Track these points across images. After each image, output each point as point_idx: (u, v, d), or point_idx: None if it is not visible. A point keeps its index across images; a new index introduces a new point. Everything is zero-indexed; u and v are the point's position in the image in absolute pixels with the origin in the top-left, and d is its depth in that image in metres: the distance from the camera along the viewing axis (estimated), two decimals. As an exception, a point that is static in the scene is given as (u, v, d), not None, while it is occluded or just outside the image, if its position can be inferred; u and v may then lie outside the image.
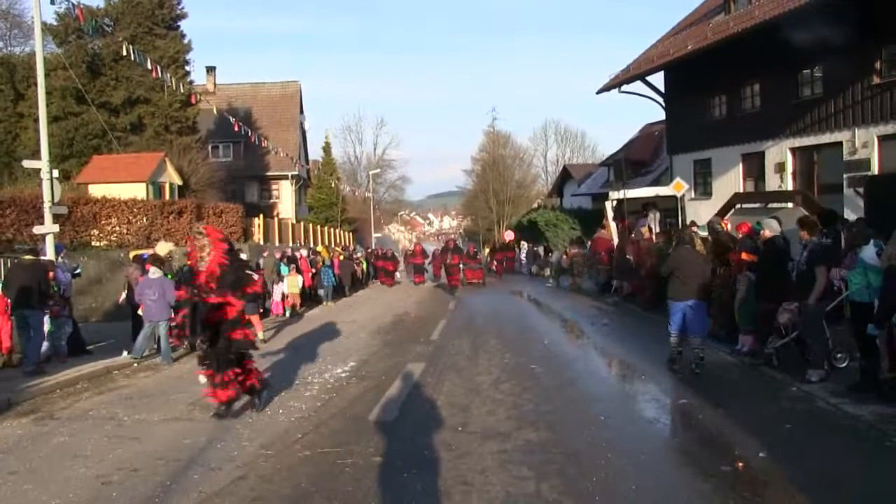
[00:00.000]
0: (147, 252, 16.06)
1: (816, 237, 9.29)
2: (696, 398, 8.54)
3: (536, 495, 5.60)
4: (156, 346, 12.95)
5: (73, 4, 15.51)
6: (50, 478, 6.35)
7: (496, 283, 30.53)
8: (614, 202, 25.38)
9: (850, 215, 17.85)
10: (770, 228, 10.47)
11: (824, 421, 7.49)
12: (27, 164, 15.75)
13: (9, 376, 10.74)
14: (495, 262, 35.67)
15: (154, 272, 12.56)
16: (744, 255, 11.13)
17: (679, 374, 9.97)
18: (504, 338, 14.15)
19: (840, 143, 19.66)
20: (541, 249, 36.85)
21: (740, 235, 11.85)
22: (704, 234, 14.46)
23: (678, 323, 10.22)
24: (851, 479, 5.82)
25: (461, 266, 27.45)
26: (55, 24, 32.26)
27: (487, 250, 42.13)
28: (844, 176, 19.33)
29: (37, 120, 16.25)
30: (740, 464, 6.16)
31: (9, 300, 11.12)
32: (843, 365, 9.25)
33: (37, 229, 14.34)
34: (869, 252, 8.22)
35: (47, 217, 13.97)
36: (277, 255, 20.99)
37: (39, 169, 14.16)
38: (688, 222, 20.60)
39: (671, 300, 10.37)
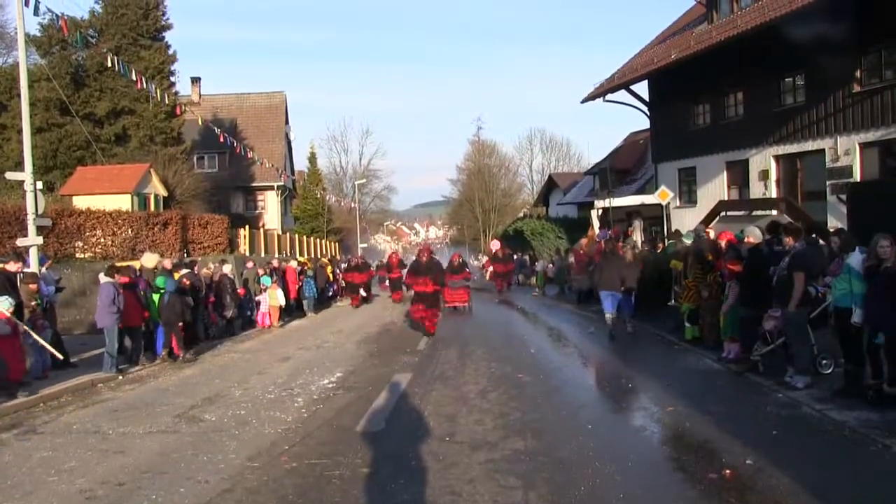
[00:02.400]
0: (132, 263, 15.98)
1: (799, 243, 9.37)
2: (682, 405, 8.56)
3: (524, 504, 5.59)
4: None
5: (56, 16, 15.47)
6: (33, 493, 6.28)
7: (488, 295, 27.42)
8: (600, 211, 25.50)
9: (833, 222, 18.03)
10: (753, 236, 10.56)
11: (810, 427, 7.52)
12: (10, 175, 15.65)
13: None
14: (494, 275, 28.62)
15: (102, 277, 12.56)
16: (729, 266, 11.23)
17: (617, 346, 13.29)
18: (491, 347, 14.14)
19: (822, 151, 19.83)
20: (527, 258, 36.87)
21: (724, 244, 11.94)
22: (690, 241, 14.55)
23: (609, 306, 14.33)
24: (838, 485, 5.84)
25: (441, 288, 18.14)
26: (38, 35, 32.09)
27: (484, 259, 39.33)
28: (827, 183, 19.49)
29: (20, 131, 16.19)
30: (727, 470, 6.17)
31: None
32: (829, 371, 9.32)
33: (20, 241, 14.25)
34: (856, 258, 8.28)
35: (31, 229, 13.89)
36: (260, 271, 20.91)
37: (23, 181, 14.08)
38: (672, 230, 20.75)
39: (602, 290, 14.72)
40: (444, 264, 21.46)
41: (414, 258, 19.50)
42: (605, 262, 15.12)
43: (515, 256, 34.57)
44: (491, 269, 29.16)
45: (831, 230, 14.71)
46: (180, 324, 14.09)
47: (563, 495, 5.72)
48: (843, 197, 17.48)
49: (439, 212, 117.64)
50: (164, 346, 14.06)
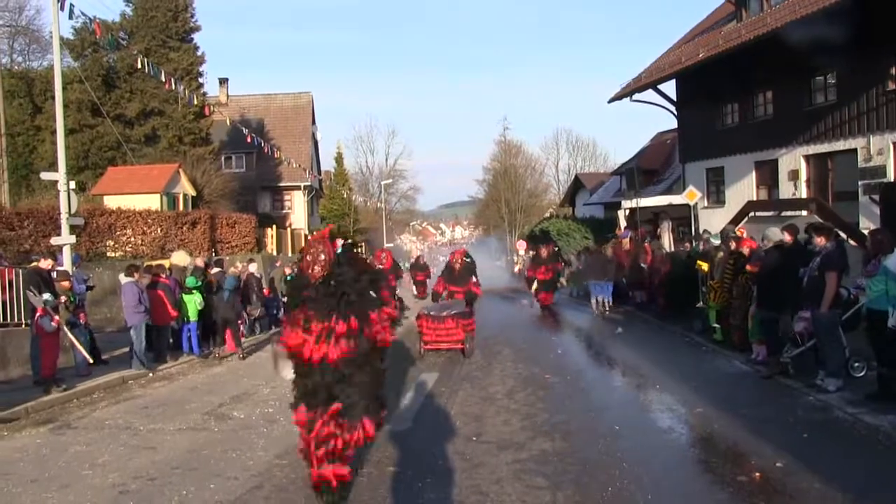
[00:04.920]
0: (162, 262, 16.18)
1: (831, 244, 9.24)
2: (711, 407, 8.49)
3: (552, 505, 5.59)
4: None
5: (89, 19, 15.71)
6: (69, 486, 6.40)
7: (505, 292, 27.33)
8: (627, 211, 25.31)
9: (865, 223, 17.75)
10: (769, 238, 10.43)
11: (842, 430, 7.43)
12: (44, 176, 15.95)
13: (28, 385, 10.85)
14: (536, 284, 20.71)
15: (122, 278, 12.78)
16: (748, 267, 11.19)
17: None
18: (517, 347, 14.11)
19: (855, 150, 19.51)
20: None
21: (746, 249, 11.83)
22: (717, 241, 14.41)
23: (598, 292, 19.46)
24: (871, 490, 5.75)
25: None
26: (72, 38, 32.65)
27: (523, 254, 36.00)
28: (859, 183, 19.17)
29: (54, 132, 16.45)
30: (757, 473, 6.12)
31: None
32: (861, 374, 9.18)
33: (54, 240, 14.49)
34: (893, 260, 8.11)
35: (64, 228, 14.11)
36: (287, 270, 21.00)
37: (56, 181, 14.31)
38: (701, 231, 20.58)
39: (590, 282, 20.15)
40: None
41: (306, 256, 5.78)
42: (593, 259, 20.29)
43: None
44: (535, 286, 20.74)
45: (864, 231, 14.52)
46: (239, 322, 14.44)
47: (591, 496, 5.71)
48: (876, 197, 17.20)
49: (465, 212, 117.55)
50: (216, 343, 14.44)
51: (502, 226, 65.56)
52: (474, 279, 15.84)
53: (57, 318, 10.80)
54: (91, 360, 12.16)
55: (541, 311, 20.38)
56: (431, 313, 13.31)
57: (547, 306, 20.51)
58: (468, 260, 16.25)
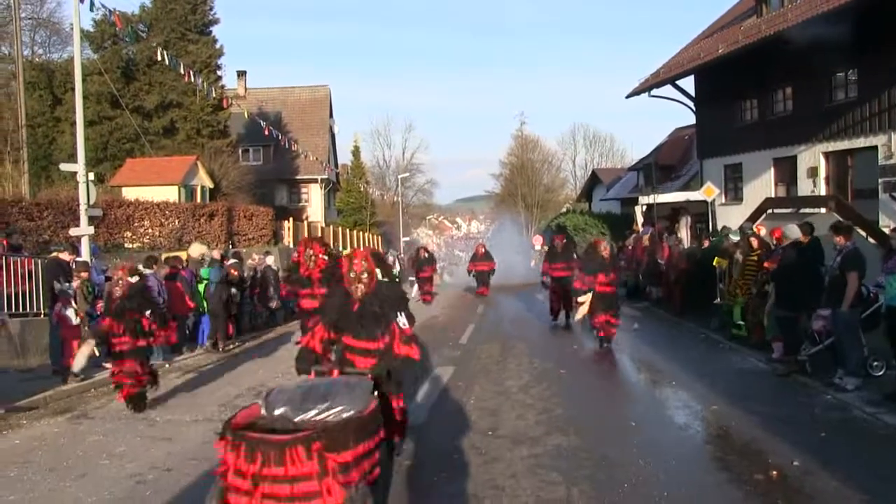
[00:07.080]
0: (179, 254, 16.28)
1: (850, 242, 9.15)
2: (727, 405, 8.44)
3: (567, 501, 5.58)
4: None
5: (109, 11, 15.80)
6: (86, 475, 6.46)
7: (520, 287, 26.94)
8: (644, 207, 25.17)
9: (885, 221, 17.57)
10: (787, 236, 10.34)
11: (860, 430, 7.37)
12: (64, 167, 16.09)
13: (46, 374, 10.96)
14: (592, 299, 13.01)
15: (142, 269, 12.82)
16: (766, 264, 11.09)
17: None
18: (533, 342, 14.11)
19: (875, 148, 19.31)
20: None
21: (775, 242, 11.75)
22: (737, 238, 14.30)
23: None
24: (889, 490, 5.70)
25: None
26: (92, 30, 32.93)
27: (539, 249, 34.24)
28: (880, 181, 18.98)
29: (73, 124, 16.60)
30: (774, 472, 6.07)
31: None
32: (880, 373, 9.10)
33: (73, 231, 14.62)
34: None
35: (83, 219, 14.23)
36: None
37: (76, 172, 14.43)
38: (719, 227, 20.43)
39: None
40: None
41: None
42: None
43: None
44: (586, 303, 13.10)
45: (885, 229, 14.37)
46: (227, 315, 14.36)
47: (606, 492, 5.69)
48: (897, 195, 17.03)
49: (481, 206, 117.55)
50: (209, 337, 14.32)
51: (519, 220, 65.48)
52: (402, 321, 5.57)
53: (78, 309, 10.90)
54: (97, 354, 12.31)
55: (601, 346, 12.97)
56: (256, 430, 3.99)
57: (609, 338, 12.93)
58: (384, 282, 6.13)
